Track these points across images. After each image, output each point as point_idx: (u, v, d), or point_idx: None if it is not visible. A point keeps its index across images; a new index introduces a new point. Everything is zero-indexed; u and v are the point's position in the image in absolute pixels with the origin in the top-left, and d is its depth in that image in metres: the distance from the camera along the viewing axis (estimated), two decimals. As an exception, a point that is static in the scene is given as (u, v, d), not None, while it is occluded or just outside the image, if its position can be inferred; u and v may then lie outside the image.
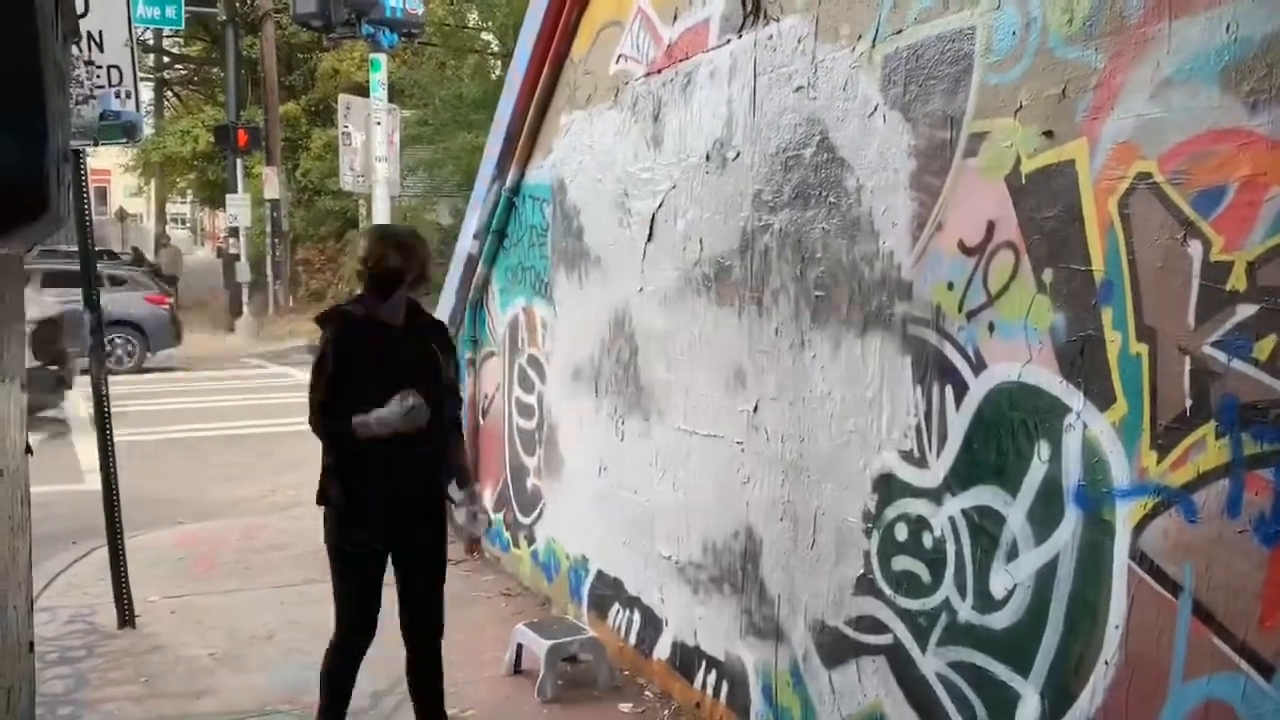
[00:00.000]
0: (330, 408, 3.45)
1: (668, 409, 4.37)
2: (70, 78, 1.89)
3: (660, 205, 4.33)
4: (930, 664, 2.97)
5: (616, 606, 4.81)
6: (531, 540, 5.79)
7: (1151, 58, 2.31)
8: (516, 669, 4.73)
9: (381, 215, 7.79)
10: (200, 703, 4.47)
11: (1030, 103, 2.62)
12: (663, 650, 4.43)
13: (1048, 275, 2.58)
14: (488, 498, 6.43)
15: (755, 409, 3.76)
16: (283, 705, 4.43)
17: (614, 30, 4.75)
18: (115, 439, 5.43)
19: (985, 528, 2.78)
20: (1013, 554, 2.70)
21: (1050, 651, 2.59)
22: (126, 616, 5.37)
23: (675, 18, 4.23)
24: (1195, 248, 2.21)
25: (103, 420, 5.38)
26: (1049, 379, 2.58)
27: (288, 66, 26.27)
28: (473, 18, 23.96)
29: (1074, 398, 2.51)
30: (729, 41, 3.87)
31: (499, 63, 20.89)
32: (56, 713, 4.38)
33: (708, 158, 3.99)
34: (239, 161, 22.09)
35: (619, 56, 4.69)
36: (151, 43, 28.18)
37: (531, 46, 5.39)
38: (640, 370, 4.57)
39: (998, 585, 2.75)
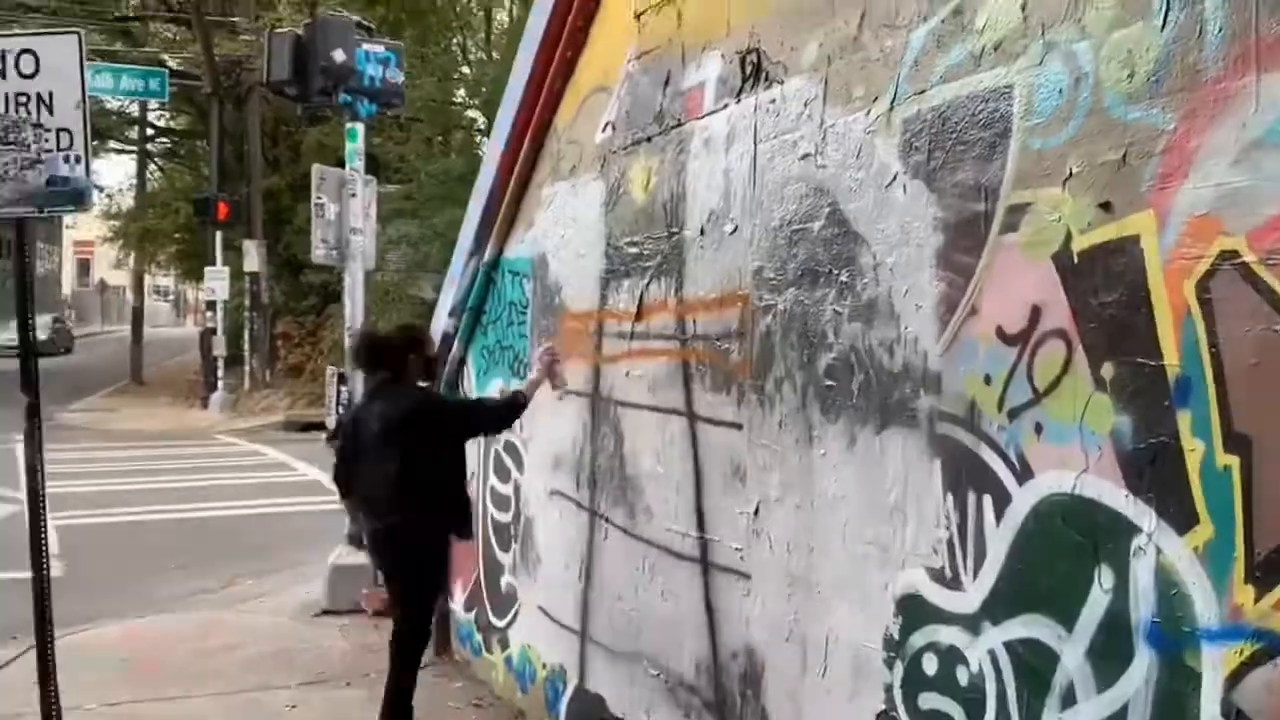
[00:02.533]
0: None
1: (656, 506, 3.95)
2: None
3: (649, 281, 3.96)
4: (968, 824, 2.52)
5: (598, 727, 4.32)
6: (505, 645, 5.30)
7: (1235, 117, 1.96)
8: None
9: (355, 289, 7.41)
10: (124, 840, 3.94)
11: (1082, 170, 2.27)
12: (649, 780, 3.94)
13: (1108, 370, 2.20)
14: (459, 596, 5.95)
15: (756, 512, 3.34)
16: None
17: (601, 97, 4.43)
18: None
19: (1034, 665, 2.36)
20: (1069, 699, 2.28)
21: (1119, 822, 2.16)
22: (54, 730, 4.84)
23: (667, 82, 3.91)
24: (1300, 341, 1.84)
25: (36, 506, 4.90)
26: (1112, 492, 2.18)
27: (273, 140, 26.17)
28: (460, 94, 24.00)
29: (1144, 516, 2.11)
30: (726, 106, 3.54)
31: (485, 138, 20.81)
32: None
33: (702, 231, 3.63)
34: (220, 234, 21.78)
35: (606, 124, 4.36)
36: (136, 115, 28.08)
37: (513, 115, 5.07)
38: (626, 462, 4.16)
39: (1051, 736, 2.31)
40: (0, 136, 4.72)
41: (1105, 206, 2.22)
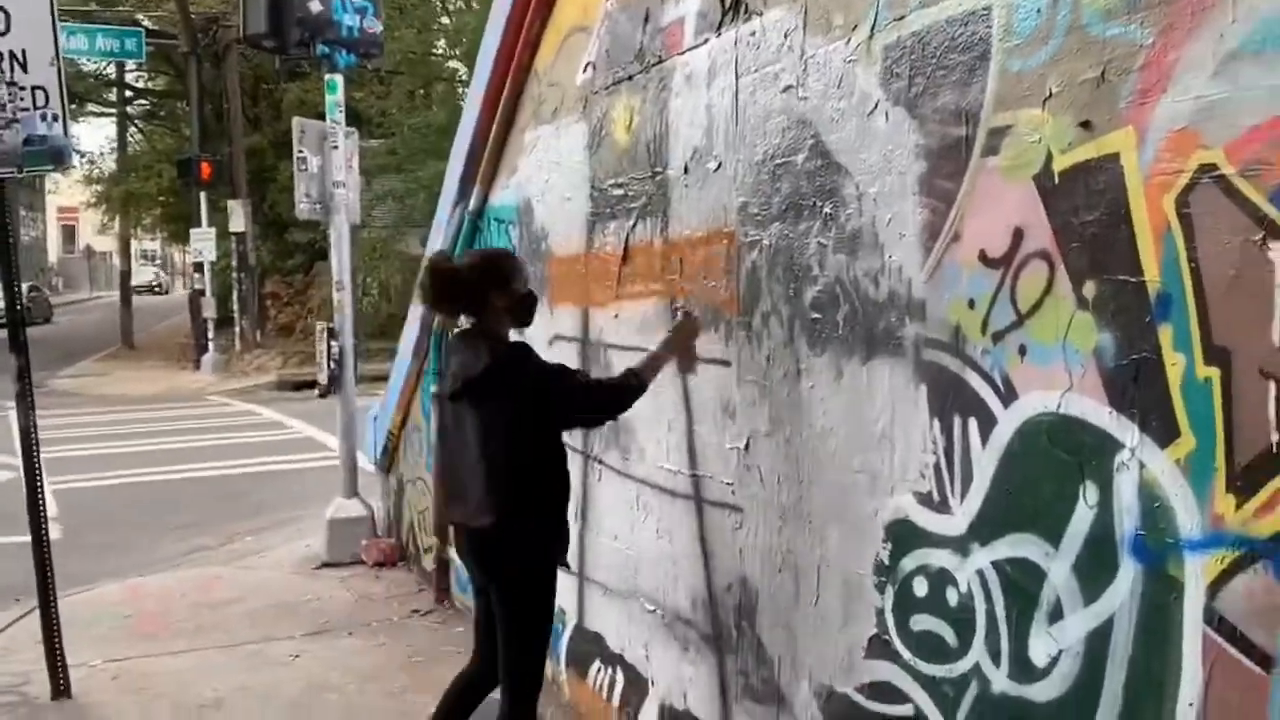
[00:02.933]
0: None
1: (649, 445, 3.97)
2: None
3: (635, 223, 3.95)
4: (959, 740, 2.58)
5: (598, 664, 4.39)
6: (504, 589, 5.35)
7: (1213, 29, 1.95)
8: None
9: (342, 243, 7.37)
10: (134, 788, 4.01)
11: (1061, 90, 2.26)
12: (649, 714, 4.00)
13: (1090, 289, 2.21)
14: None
15: (746, 446, 3.37)
16: (226, 788, 3.97)
17: (580, 37, 4.39)
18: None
19: (1021, 583, 2.40)
20: (1056, 614, 2.32)
21: (1105, 730, 2.21)
22: (61, 686, 4.90)
23: (646, 19, 3.87)
24: (1279, 251, 1.85)
25: (31, 469, 4.93)
26: (1095, 410, 2.20)
27: (253, 99, 25.86)
28: (440, 45, 23.70)
29: (1127, 432, 2.13)
30: (706, 41, 3.50)
31: (466, 90, 20.59)
32: (-27, 804, 3.92)
33: (686, 169, 3.62)
34: (204, 195, 21.60)
35: (586, 65, 4.32)
36: (114, 76, 27.68)
37: (493, 60, 5.02)
38: (617, 404, 4.17)
39: (1039, 651, 2.36)
40: (-26, 96, 4.67)
41: (1085, 125, 2.21)
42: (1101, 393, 2.19)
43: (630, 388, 3.45)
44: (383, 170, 19.48)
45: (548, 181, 4.67)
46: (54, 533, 5.39)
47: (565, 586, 4.60)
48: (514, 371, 3.34)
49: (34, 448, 4.92)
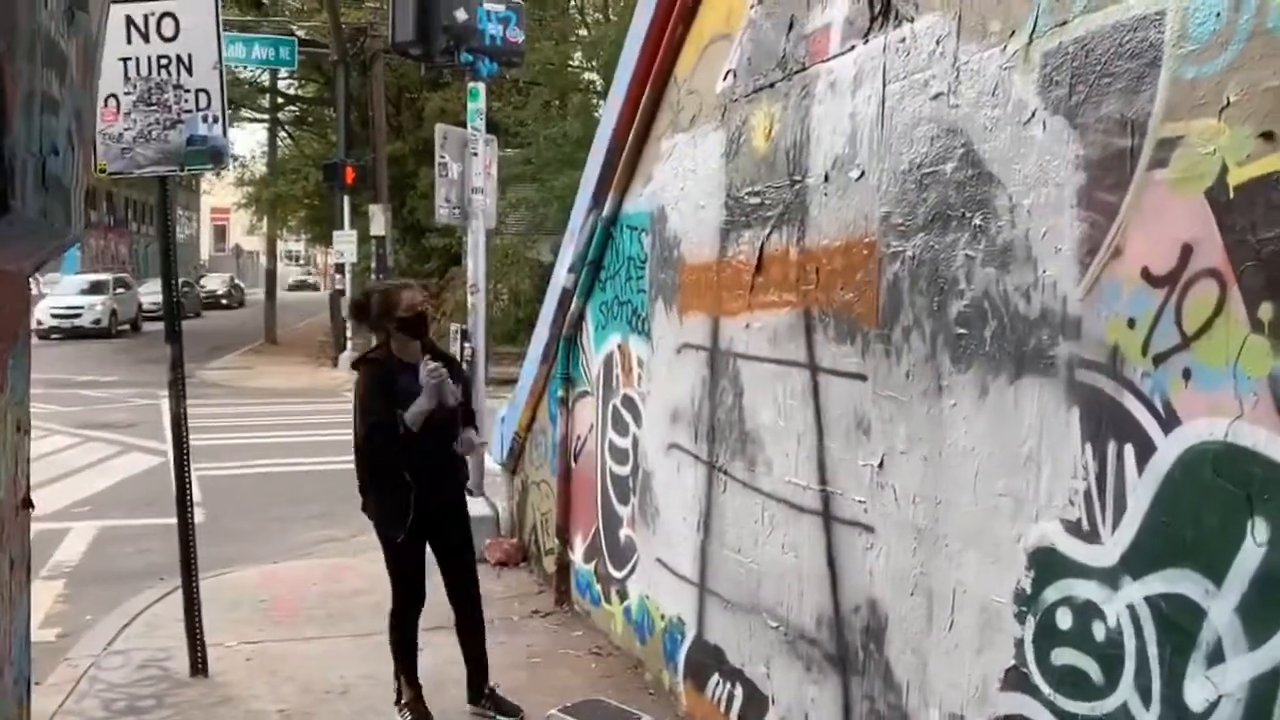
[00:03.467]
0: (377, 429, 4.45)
1: (776, 459, 3.91)
2: (69, 58, 1.52)
3: (771, 231, 3.90)
4: (1102, 783, 2.44)
5: (716, 678, 4.33)
6: (624, 596, 5.36)
7: None
8: None
9: (478, 248, 7.53)
10: (264, 767, 4.14)
11: (1241, 98, 2.12)
12: (768, 731, 3.93)
13: (1266, 310, 2.06)
14: (578, 546, 6.03)
15: (881, 464, 3.28)
16: (350, 774, 4.06)
17: (722, 44, 4.36)
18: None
19: (1178, 622, 2.25)
20: (1216, 657, 2.17)
21: (1270, 786, 2.05)
22: (199, 664, 5.12)
23: (791, 26, 3.82)
24: None
25: (180, 455, 5.16)
26: (1269, 440, 2.05)
27: (396, 107, 26.69)
28: (578, 57, 24.04)
29: (1305, 465, 1.98)
30: (852, 48, 3.43)
31: (602, 101, 20.81)
32: (116, 770, 4.11)
33: (826, 178, 3.55)
34: (347, 199, 22.39)
35: (727, 72, 4.29)
36: (267, 84, 28.99)
37: (633, 67, 5.04)
38: (746, 414, 4.13)
39: (1195, 695, 2.21)
40: (144, 98, 4.93)
41: (1267, 136, 2.07)
42: (1276, 422, 2.04)
43: (381, 428, 4.45)
44: (517, 179, 19.84)
45: (683, 189, 4.66)
46: (197, 517, 5.62)
47: (686, 597, 4.59)
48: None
49: (184, 434, 5.14)
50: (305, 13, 26.39)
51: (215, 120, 5.01)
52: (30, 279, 1.85)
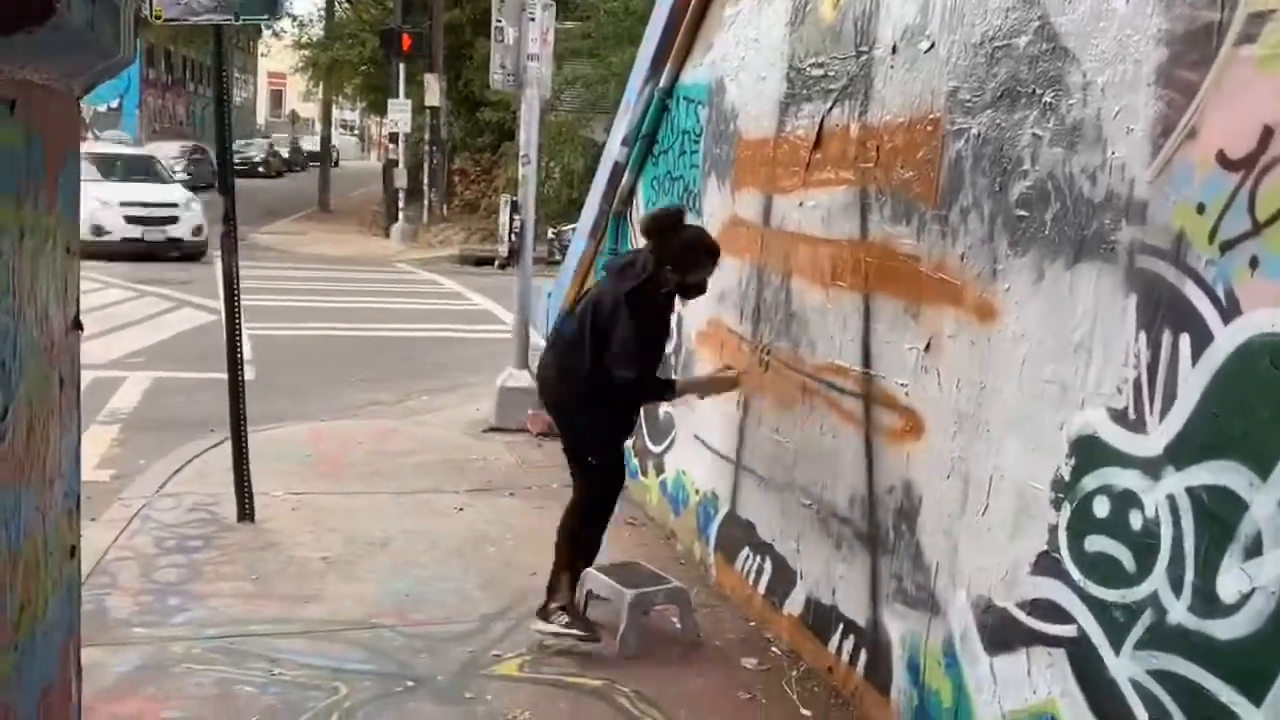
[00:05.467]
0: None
1: (821, 340, 3.88)
2: None
3: (832, 106, 3.79)
4: (1125, 667, 2.45)
5: (746, 551, 4.40)
6: (660, 470, 5.42)
7: None
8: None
9: (531, 118, 7.41)
10: (306, 608, 4.29)
11: (1344, -31, 1.99)
12: (795, 605, 4.00)
13: (1345, 198, 1.97)
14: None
15: (927, 348, 3.23)
16: (388, 619, 4.21)
17: (794, -93, 4.17)
18: (258, 332, 5.29)
19: (1218, 513, 2.23)
20: (1254, 550, 2.15)
21: (1295, 677, 2.05)
22: (246, 510, 5.28)
23: (867, -113, 3.64)
24: None
25: (231, 309, 5.23)
26: (1333, 333, 1.99)
27: (457, -27, 26.13)
28: (643, -72, 23.24)
29: (1369, 359, 1.92)
30: (931, -89, 3.26)
31: (666, -25, 20.15)
32: (166, 602, 4.29)
33: (894, 50, 3.42)
34: (403, 68, 22.13)
35: (798, -64, 4.11)
36: (326, -54, 28.45)
37: (700, -72, 4.85)
38: (793, 295, 4.09)
39: (1228, 586, 2.20)
40: (200, -58, 4.83)
41: (1368, 11, 1.95)
42: (1344, 314, 1.97)
43: (657, 387, 4.19)
44: (575, 54, 19.43)
45: (743, 59, 4.53)
46: (248, 374, 5.73)
47: (721, 472, 4.63)
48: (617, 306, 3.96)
49: (235, 289, 5.20)
50: None
51: (271, -32, 4.93)
52: (79, 101, 1.84)
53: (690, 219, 5.05)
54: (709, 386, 4.44)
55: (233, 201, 5.16)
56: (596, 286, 4.31)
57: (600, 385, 3.94)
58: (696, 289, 4.11)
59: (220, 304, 6.31)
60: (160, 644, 3.90)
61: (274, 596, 4.40)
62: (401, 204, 22.90)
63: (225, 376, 5.33)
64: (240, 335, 5.31)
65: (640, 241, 5.68)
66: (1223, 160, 2.24)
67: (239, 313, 5.26)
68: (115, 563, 4.62)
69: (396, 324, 12.17)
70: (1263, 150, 2.15)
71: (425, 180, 23.54)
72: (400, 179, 22.73)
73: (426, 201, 23.70)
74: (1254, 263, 2.16)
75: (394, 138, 23.42)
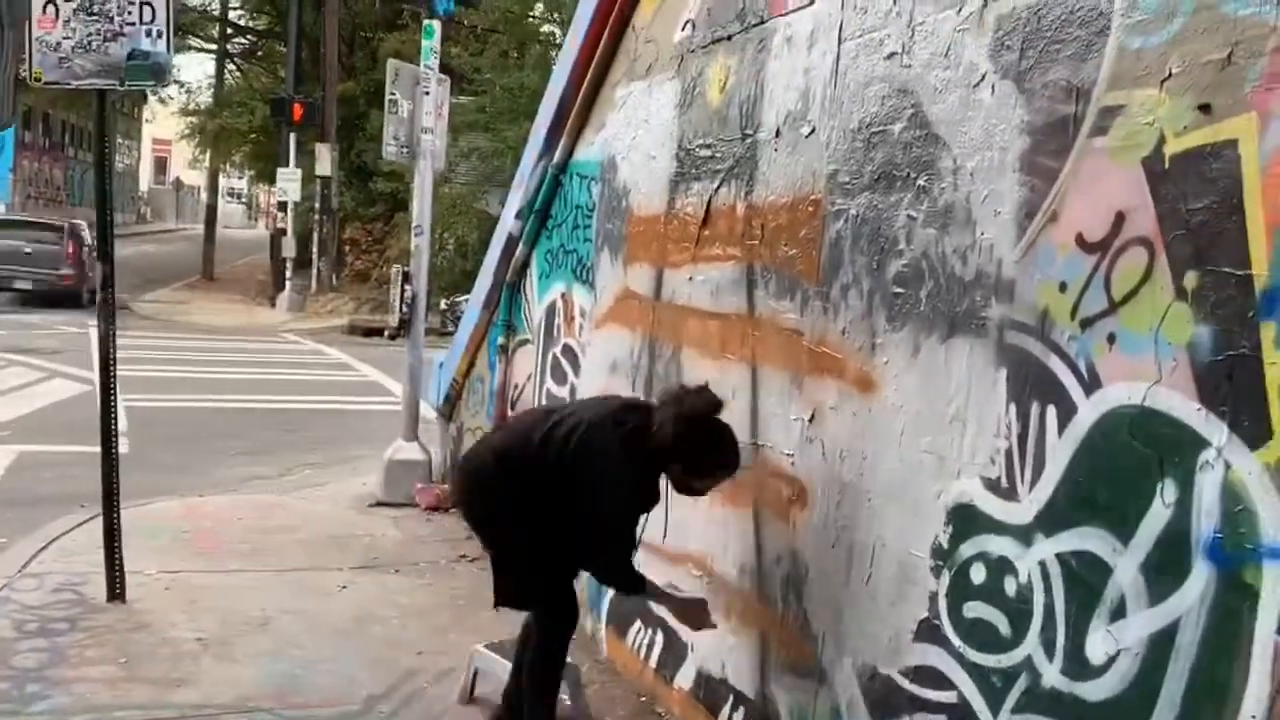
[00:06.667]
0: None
1: (711, 412, 3.93)
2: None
3: (720, 185, 3.90)
4: (1002, 732, 2.52)
5: (638, 624, 4.38)
6: (552, 543, 5.37)
7: (1356, 12, 1.85)
8: (471, 698, 4.11)
9: (424, 189, 7.41)
10: (178, 692, 4.09)
11: (1182, 70, 2.17)
12: (686, 679, 3.99)
13: (1190, 279, 2.12)
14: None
15: (811, 419, 3.32)
16: (266, 702, 4.04)
17: (683, -5, 4.33)
18: (134, 404, 5.10)
19: (1085, 578, 2.32)
20: (1118, 613, 2.24)
21: (1160, 735, 2.13)
22: (117, 590, 5.03)
23: (752, -21, 3.80)
24: (1403, 251, 1.75)
25: (106, 378, 5.04)
26: (1183, 405, 2.12)
27: (350, 46, 26.16)
28: (539, 7, 23.71)
29: (1215, 430, 2.05)
30: (811, 3, 3.43)
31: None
32: (24, 689, 4.03)
33: (778, 133, 3.56)
34: (294, 137, 21.93)
35: (686, 22, 4.27)
36: (217, 12, 28.22)
37: (592, 10, 4.99)
38: (684, 367, 4.15)
39: (1097, 649, 2.29)
40: (85, 6, 4.76)
41: (1204, 109, 2.12)
42: (1192, 388, 2.10)
43: (630, 580, 3.60)
44: (470, 128, 19.57)
45: (634, 139, 4.64)
46: (122, 446, 5.51)
47: (613, 545, 4.59)
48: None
49: (111, 357, 5.03)
50: (260, -59, 25.67)
51: (159, 35, 4.86)
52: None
53: (583, 291, 5.12)
54: (678, 611, 3.85)
55: (112, 268, 5.01)
56: (574, 414, 3.59)
57: (552, 536, 3.49)
58: (690, 490, 3.55)
59: (94, 374, 6.09)
60: (16, 734, 3.67)
61: (144, 680, 4.18)
62: (289, 273, 22.51)
63: (98, 450, 5.12)
64: (115, 406, 5.11)
65: (536, 313, 5.70)
66: (1081, 243, 2.38)
67: (114, 382, 5.08)
68: (-31, 648, 4.34)
69: (280, 395, 11.87)
70: (1116, 234, 2.30)
71: (315, 249, 23.22)
72: (288, 248, 22.38)
73: (316, 270, 23.36)
74: (1111, 339, 2.29)
75: (283, 206, 23.12)
